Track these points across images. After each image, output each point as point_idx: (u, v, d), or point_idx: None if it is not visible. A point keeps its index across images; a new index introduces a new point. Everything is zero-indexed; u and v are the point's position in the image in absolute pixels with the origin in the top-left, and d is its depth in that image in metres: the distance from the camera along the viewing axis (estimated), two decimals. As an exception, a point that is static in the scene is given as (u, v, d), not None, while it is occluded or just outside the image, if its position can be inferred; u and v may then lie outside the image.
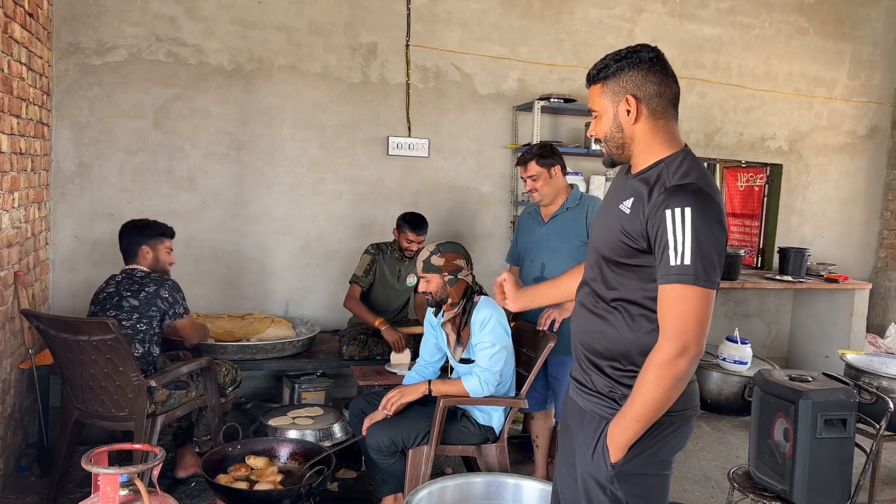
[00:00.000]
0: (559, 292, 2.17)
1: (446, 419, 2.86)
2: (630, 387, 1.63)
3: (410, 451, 2.86)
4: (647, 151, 1.64)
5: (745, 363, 4.83)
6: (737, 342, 4.85)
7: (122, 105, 4.31)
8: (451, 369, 3.08)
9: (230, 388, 3.44)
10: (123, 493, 2.08)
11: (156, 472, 2.16)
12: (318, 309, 4.74)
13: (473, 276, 3.00)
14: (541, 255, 3.39)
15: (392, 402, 2.82)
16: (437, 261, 2.88)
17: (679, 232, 1.50)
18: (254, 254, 4.66)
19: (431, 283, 2.89)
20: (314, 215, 4.73)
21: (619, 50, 1.66)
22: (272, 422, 3.36)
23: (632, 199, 1.63)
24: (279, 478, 2.74)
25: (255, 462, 2.79)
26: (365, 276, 4.15)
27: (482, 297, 2.96)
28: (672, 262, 1.51)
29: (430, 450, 2.85)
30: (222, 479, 2.69)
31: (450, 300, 2.92)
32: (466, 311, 2.89)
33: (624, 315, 1.66)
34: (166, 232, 3.38)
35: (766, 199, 6.09)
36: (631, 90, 1.62)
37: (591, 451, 1.71)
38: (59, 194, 4.22)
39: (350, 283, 4.13)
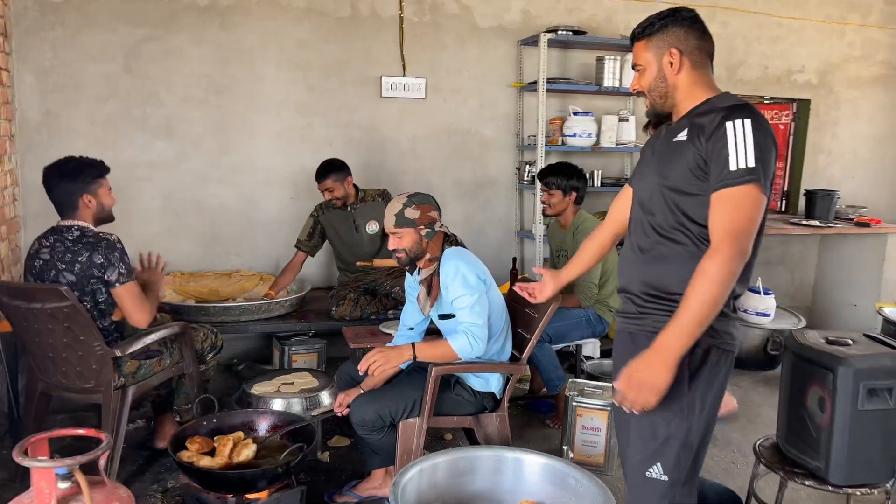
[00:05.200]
0: (581, 262, 2.22)
1: (438, 387, 2.58)
2: None
3: (400, 423, 2.59)
4: (690, 98, 1.76)
5: (769, 315, 4.51)
6: (759, 293, 4.52)
7: (89, 47, 3.95)
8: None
9: (210, 355, 3.18)
10: (65, 485, 1.83)
11: (102, 462, 1.90)
12: (310, 265, 4.43)
13: (446, 226, 2.68)
14: None
15: (375, 366, 2.53)
16: (412, 213, 2.55)
17: (740, 140, 1.59)
18: (239, 207, 4.36)
19: (405, 239, 2.57)
20: (303, 164, 4.39)
21: (661, 10, 1.80)
22: (255, 389, 3.11)
23: (685, 129, 1.71)
24: (252, 453, 2.51)
25: (224, 442, 2.56)
26: (308, 239, 3.97)
27: (450, 247, 2.65)
28: (732, 167, 1.58)
29: (423, 422, 2.58)
30: (183, 455, 2.46)
31: (428, 255, 2.61)
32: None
33: (688, 240, 1.70)
34: (103, 170, 2.77)
35: (791, 137, 5.66)
36: (674, 44, 1.76)
37: None
38: (26, 146, 3.91)
39: (295, 246, 3.96)
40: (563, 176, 3.61)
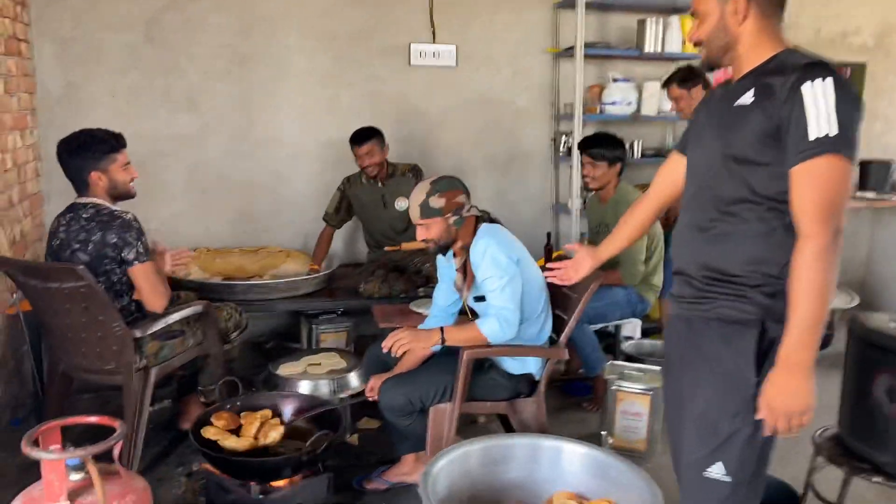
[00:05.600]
0: (622, 237, 2.00)
1: (471, 371, 2.43)
2: (760, 286, 1.50)
3: (431, 408, 2.46)
4: (755, 52, 1.55)
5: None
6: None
7: (109, 16, 3.83)
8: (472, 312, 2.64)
9: (234, 334, 3.08)
10: (78, 476, 1.74)
11: (116, 451, 1.80)
12: (337, 241, 4.31)
13: (476, 207, 2.51)
14: None
15: (400, 344, 2.38)
16: (437, 202, 2.38)
17: (821, 103, 1.38)
18: (267, 181, 4.23)
19: (432, 229, 2.42)
20: (330, 137, 4.24)
21: None
22: (282, 370, 3.00)
23: (751, 90, 1.50)
24: (280, 436, 2.41)
25: (251, 420, 2.47)
26: (335, 213, 3.88)
27: (482, 224, 2.48)
28: (813, 136, 1.38)
29: (454, 408, 2.44)
30: (209, 431, 2.38)
31: (460, 242, 2.46)
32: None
33: (754, 217, 1.51)
34: (115, 144, 2.62)
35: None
36: None
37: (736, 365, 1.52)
38: (48, 120, 3.82)
39: (323, 219, 3.89)
40: (609, 146, 3.40)
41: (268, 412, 2.55)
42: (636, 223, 1.96)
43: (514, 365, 2.52)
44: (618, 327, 3.66)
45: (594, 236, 3.67)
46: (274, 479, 2.31)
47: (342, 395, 2.93)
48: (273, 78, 4.11)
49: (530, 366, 2.53)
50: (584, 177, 3.49)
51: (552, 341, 2.61)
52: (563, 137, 4.51)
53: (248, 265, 3.90)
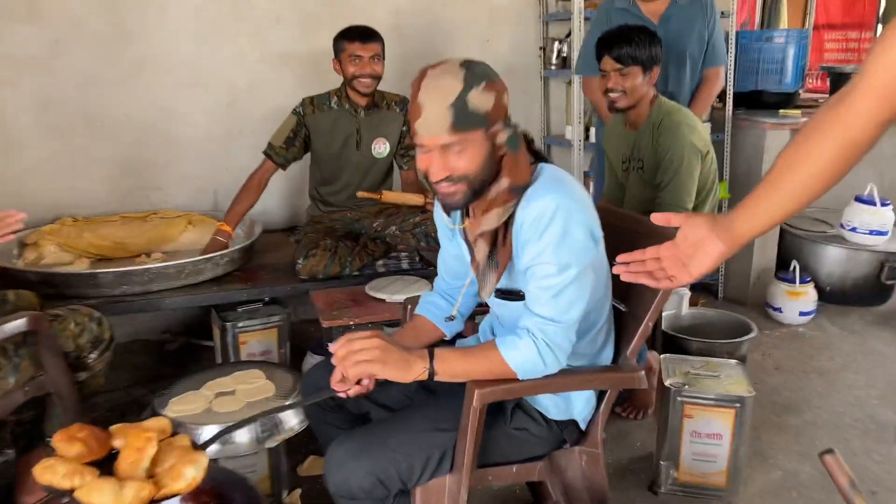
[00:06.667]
0: (802, 191, 0.97)
1: (484, 421, 1.40)
2: None
3: (417, 488, 1.43)
4: None
5: (886, 233, 3.37)
6: (874, 203, 3.36)
7: None
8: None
9: (93, 355, 1.96)
10: None
11: None
12: (264, 198, 3.18)
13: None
14: None
15: (352, 363, 1.30)
16: (483, 100, 1.29)
17: None
18: (154, 119, 3.04)
19: (468, 154, 1.31)
20: (240, 52, 3.07)
21: None
22: (172, 410, 1.91)
23: None
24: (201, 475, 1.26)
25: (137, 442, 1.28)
26: (286, 145, 2.65)
27: (541, 164, 1.42)
28: None
29: (460, 485, 1.41)
30: (49, 472, 1.20)
31: (507, 182, 1.36)
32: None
33: None
34: None
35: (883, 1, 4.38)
36: None
37: None
38: None
39: (264, 154, 2.66)
40: (642, 43, 2.33)
41: (166, 425, 1.39)
42: (829, 158, 0.94)
43: (557, 406, 1.49)
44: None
45: (618, 176, 2.64)
46: None
47: (271, 443, 1.88)
48: (150, -31, 2.89)
49: (577, 407, 1.51)
50: (608, 92, 2.41)
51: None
52: (556, 45, 3.43)
53: (131, 239, 2.76)
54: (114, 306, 2.31)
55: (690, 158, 2.32)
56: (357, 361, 1.30)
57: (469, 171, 1.31)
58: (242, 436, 1.85)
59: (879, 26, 4.34)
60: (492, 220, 1.36)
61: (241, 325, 2.57)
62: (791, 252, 3.47)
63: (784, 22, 4.81)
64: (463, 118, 1.27)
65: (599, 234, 1.39)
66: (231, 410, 1.90)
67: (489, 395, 1.36)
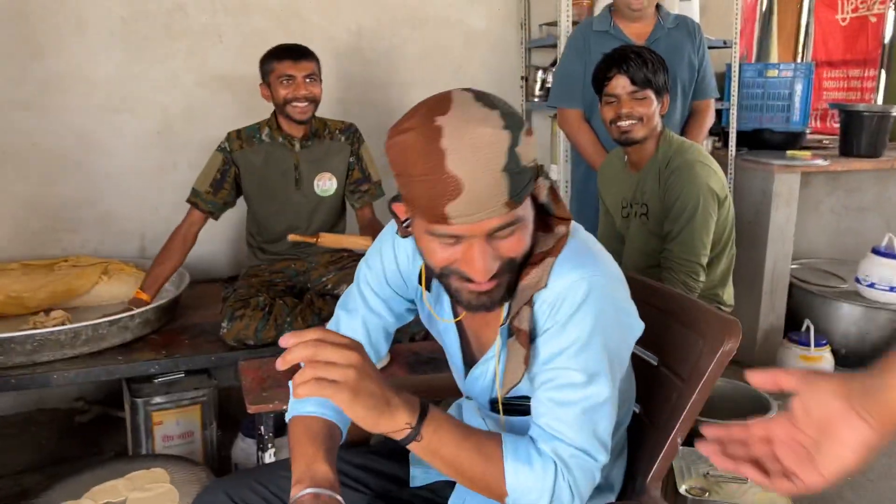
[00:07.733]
0: None
1: None
2: None
3: None
4: None
5: (906, 290, 3.01)
6: (894, 256, 3.00)
7: None
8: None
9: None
10: None
11: None
12: (201, 240, 2.72)
13: None
14: None
15: (309, 375, 0.81)
16: (530, 150, 0.87)
17: None
18: (68, 149, 2.59)
19: (519, 231, 0.89)
20: (174, 74, 2.64)
21: None
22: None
23: None
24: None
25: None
26: (213, 191, 2.21)
27: (571, 225, 1.02)
28: None
29: None
30: None
31: (545, 253, 0.94)
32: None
33: None
34: None
35: (891, 33, 4.10)
36: None
37: None
38: None
39: (188, 203, 2.20)
40: (657, 67, 1.94)
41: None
42: None
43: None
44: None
45: (617, 225, 2.22)
46: None
47: None
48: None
49: (611, 477, 1.09)
50: (617, 121, 1.99)
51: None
52: (539, 74, 3.06)
53: (30, 293, 2.28)
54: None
55: (706, 204, 1.92)
56: (317, 377, 0.81)
57: (518, 254, 0.92)
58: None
59: (885, 62, 4.07)
60: (524, 300, 0.94)
61: (155, 401, 2.08)
62: (801, 310, 3.08)
63: (774, 57, 4.53)
64: (518, 183, 0.86)
65: (638, 330, 1.01)
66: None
67: None
